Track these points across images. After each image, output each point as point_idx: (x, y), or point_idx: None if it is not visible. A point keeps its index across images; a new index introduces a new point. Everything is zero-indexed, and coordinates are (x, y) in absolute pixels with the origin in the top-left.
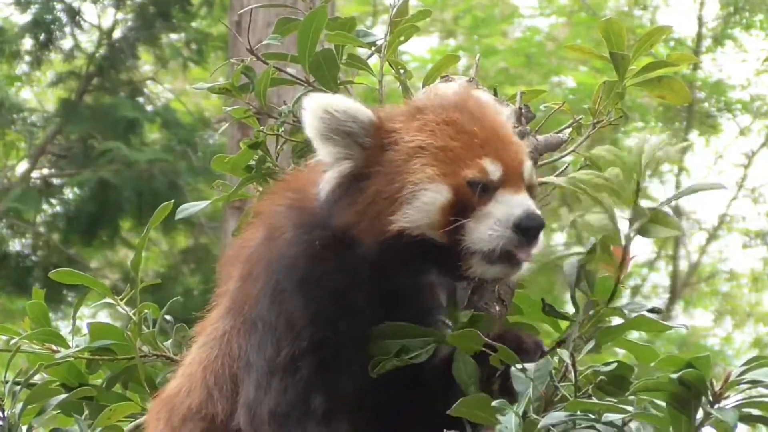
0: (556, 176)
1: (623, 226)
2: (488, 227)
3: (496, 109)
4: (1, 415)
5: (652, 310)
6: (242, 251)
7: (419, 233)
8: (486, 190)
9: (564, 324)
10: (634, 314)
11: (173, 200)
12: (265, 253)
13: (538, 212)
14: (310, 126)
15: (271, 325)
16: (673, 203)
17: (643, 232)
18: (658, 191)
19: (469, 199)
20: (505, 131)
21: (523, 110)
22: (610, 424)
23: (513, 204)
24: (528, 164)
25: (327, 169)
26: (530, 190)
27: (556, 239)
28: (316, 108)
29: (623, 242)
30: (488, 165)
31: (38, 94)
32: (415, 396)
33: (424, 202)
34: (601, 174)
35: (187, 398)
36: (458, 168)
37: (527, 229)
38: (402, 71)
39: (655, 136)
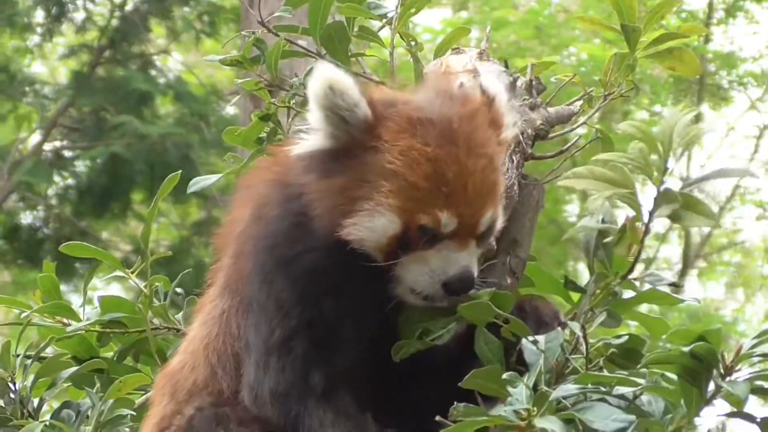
0: (566, 149)
1: (646, 204)
2: (419, 273)
3: (497, 121)
4: (13, 388)
5: (671, 284)
6: (233, 228)
7: (362, 249)
8: (433, 237)
9: (576, 296)
10: (649, 286)
11: (181, 171)
12: (253, 232)
13: (472, 272)
14: (313, 91)
15: (263, 306)
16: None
17: (674, 218)
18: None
19: (415, 239)
20: (483, 176)
21: (533, 82)
22: (622, 396)
23: (450, 261)
24: (487, 217)
25: (309, 132)
26: (484, 236)
27: (569, 209)
28: (324, 80)
29: (645, 220)
30: (444, 218)
31: (50, 67)
32: (418, 370)
33: (376, 226)
34: (625, 155)
35: (191, 374)
36: (417, 209)
37: (454, 291)
38: (413, 43)
39: (686, 113)
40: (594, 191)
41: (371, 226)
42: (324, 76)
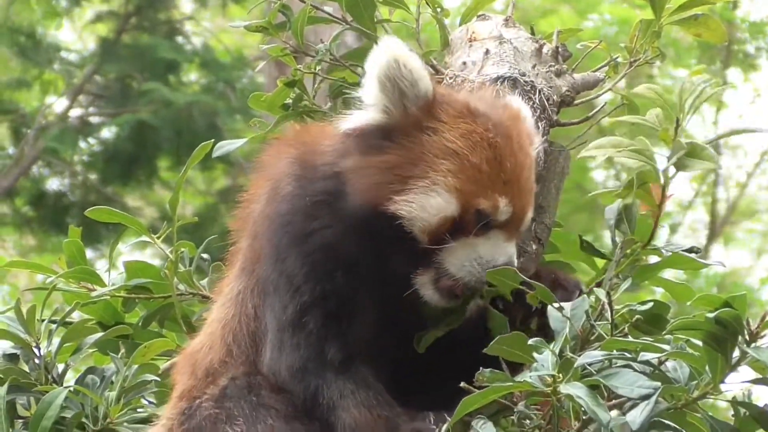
0: (592, 115)
1: (662, 163)
2: (466, 259)
3: (532, 143)
4: (37, 354)
5: (690, 250)
6: (249, 210)
7: (410, 228)
8: (486, 224)
9: (601, 263)
10: (670, 253)
11: (212, 140)
12: (269, 211)
13: (515, 266)
14: (375, 64)
15: (276, 285)
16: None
17: (679, 165)
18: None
19: (469, 224)
20: (529, 175)
21: (559, 49)
22: (647, 362)
23: (500, 250)
24: (530, 214)
25: (360, 108)
26: (520, 234)
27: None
28: (390, 53)
29: (661, 180)
30: (502, 204)
31: (76, 34)
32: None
33: (431, 205)
34: (639, 116)
35: (209, 353)
36: (477, 192)
37: None
38: (439, 9)
39: (698, 76)
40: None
41: (425, 204)
42: (390, 47)
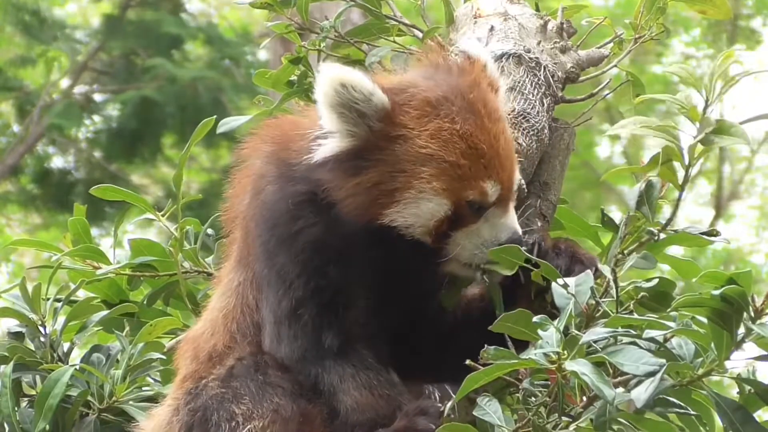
0: (597, 92)
1: (686, 142)
2: (474, 245)
3: (497, 91)
4: (43, 332)
5: (709, 233)
6: (236, 205)
7: (410, 234)
8: (480, 209)
9: (607, 240)
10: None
11: (215, 116)
12: (254, 211)
13: (520, 233)
14: (323, 94)
15: (269, 281)
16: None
17: (706, 141)
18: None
19: (464, 216)
20: (505, 138)
21: (564, 25)
22: (652, 339)
23: (500, 227)
24: (517, 175)
25: (327, 137)
26: (514, 196)
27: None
28: (332, 78)
29: (686, 158)
30: (489, 188)
31: (81, 10)
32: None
33: (424, 211)
34: (670, 96)
35: (211, 339)
36: (462, 187)
37: None
38: None
39: (730, 59)
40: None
41: (418, 212)
42: (331, 74)
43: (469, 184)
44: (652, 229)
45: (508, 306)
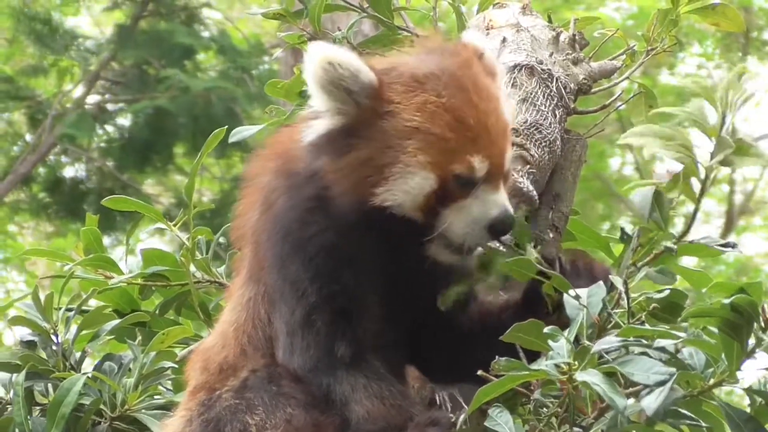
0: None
1: (703, 157)
2: (463, 222)
3: (495, 77)
4: (55, 341)
5: (726, 245)
6: (246, 219)
7: (401, 212)
8: (468, 184)
9: (618, 250)
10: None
11: (227, 126)
12: (265, 224)
13: (511, 212)
14: (311, 73)
15: (282, 292)
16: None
17: (726, 162)
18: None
19: (452, 191)
20: (497, 117)
21: (576, 37)
22: (663, 349)
23: (490, 203)
24: (509, 154)
25: (317, 117)
26: (506, 177)
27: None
28: (320, 57)
29: (702, 174)
30: (476, 162)
31: (93, 21)
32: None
33: (411, 186)
34: (683, 108)
35: (222, 351)
36: (449, 160)
37: (499, 231)
38: None
39: (743, 70)
40: (651, 147)
41: (406, 187)
42: (318, 53)
43: (456, 158)
44: (669, 245)
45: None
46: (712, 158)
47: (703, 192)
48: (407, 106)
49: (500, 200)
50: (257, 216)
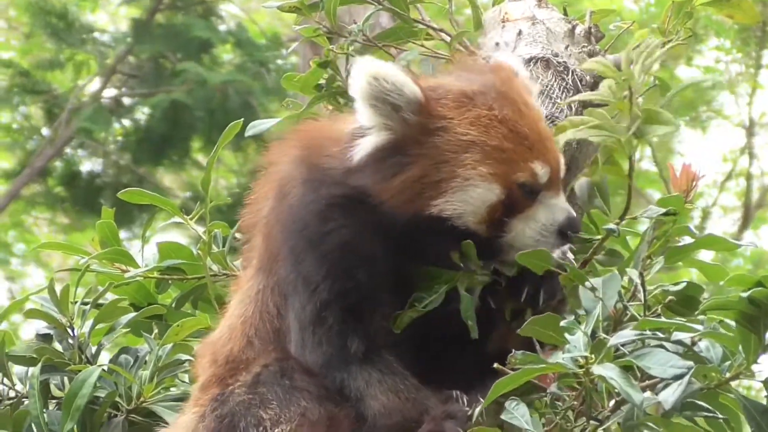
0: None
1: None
2: (534, 230)
3: (532, 93)
4: (71, 334)
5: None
6: (259, 209)
7: (462, 224)
8: (532, 192)
9: (635, 243)
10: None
11: (243, 119)
12: (279, 215)
13: (575, 214)
14: (357, 88)
15: (294, 286)
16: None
17: (640, 133)
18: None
19: (518, 200)
20: (545, 127)
21: (592, 30)
22: (680, 343)
23: (556, 208)
24: (562, 161)
25: (364, 134)
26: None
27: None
28: (365, 72)
29: (628, 151)
30: (539, 169)
31: (109, 14)
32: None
33: (473, 198)
34: (595, 93)
35: (227, 344)
36: (512, 170)
37: (568, 235)
38: None
39: (646, 41)
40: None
41: (467, 199)
42: (364, 68)
43: (518, 167)
44: (611, 227)
45: (486, 330)
46: (628, 127)
47: (632, 168)
48: (461, 121)
49: (564, 204)
50: (271, 205)
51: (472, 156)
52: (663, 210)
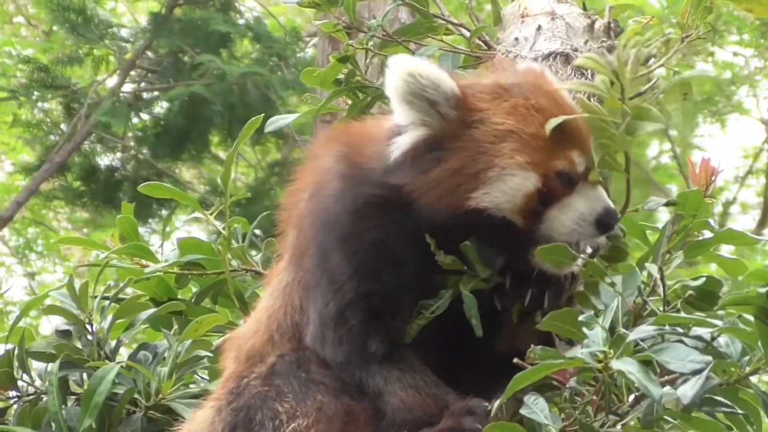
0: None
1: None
2: (572, 220)
3: (563, 91)
4: (90, 330)
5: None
6: (296, 202)
7: (500, 215)
8: (570, 181)
9: (653, 238)
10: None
11: (263, 114)
12: (312, 209)
13: (613, 206)
14: (392, 86)
15: (318, 281)
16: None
17: (629, 130)
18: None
19: (555, 189)
20: (580, 120)
21: (611, 24)
22: (699, 338)
23: (594, 199)
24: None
25: (401, 132)
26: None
27: (648, 153)
28: (401, 69)
29: (622, 147)
30: (576, 157)
31: (130, 8)
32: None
33: (510, 187)
34: (587, 83)
35: (251, 339)
36: (549, 158)
37: (607, 226)
38: None
39: (639, 36)
40: None
41: (504, 188)
42: (398, 66)
43: (556, 155)
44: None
45: (492, 331)
46: (620, 125)
47: (628, 162)
48: (497, 111)
49: (600, 194)
50: (307, 198)
51: (510, 145)
52: (664, 201)
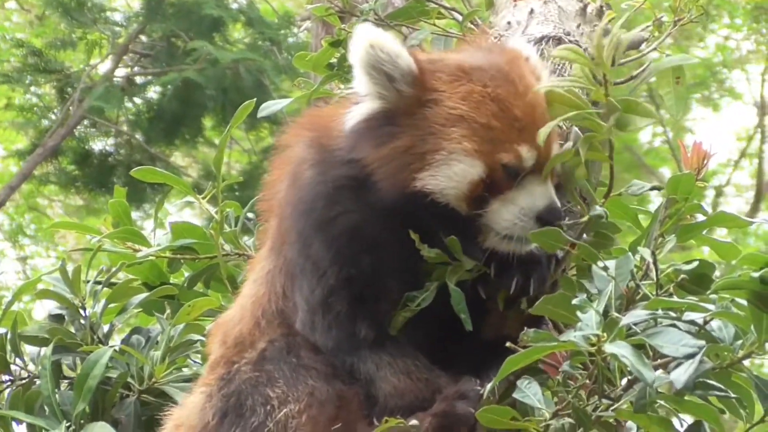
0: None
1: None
2: (512, 214)
3: (540, 78)
4: (83, 314)
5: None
6: (274, 190)
7: (444, 200)
8: (515, 174)
9: (646, 222)
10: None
11: (255, 99)
12: (290, 197)
13: (558, 204)
14: (355, 54)
15: (302, 268)
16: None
17: (620, 125)
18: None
19: (500, 181)
20: (542, 110)
21: (604, 8)
22: (692, 322)
23: (537, 194)
24: (556, 147)
25: (358, 102)
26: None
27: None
28: (363, 40)
29: (606, 136)
30: (525, 152)
31: None
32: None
33: (455, 172)
34: (569, 76)
35: (238, 325)
36: (496, 149)
37: (548, 222)
38: None
39: (615, 26)
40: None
41: (449, 174)
42: (363, 35)
43: (503, 147)
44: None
45: (479, 318)
46: (603, 117)
47: (611, 149)
48: (452, 95)
49: (547, 191)
50: (285, 187)
51: (459, 131)
52: (649, 186)
